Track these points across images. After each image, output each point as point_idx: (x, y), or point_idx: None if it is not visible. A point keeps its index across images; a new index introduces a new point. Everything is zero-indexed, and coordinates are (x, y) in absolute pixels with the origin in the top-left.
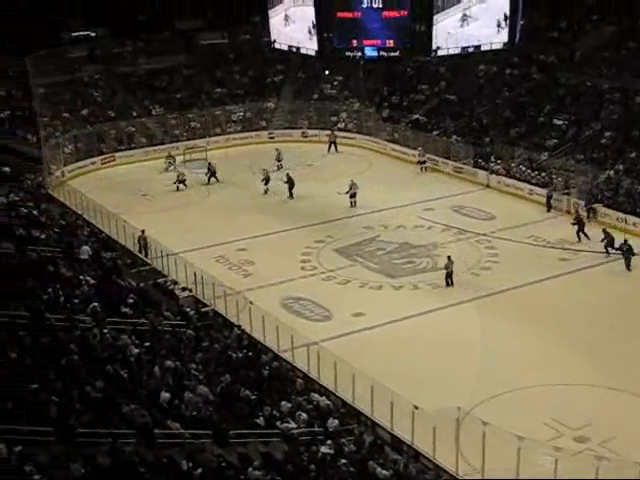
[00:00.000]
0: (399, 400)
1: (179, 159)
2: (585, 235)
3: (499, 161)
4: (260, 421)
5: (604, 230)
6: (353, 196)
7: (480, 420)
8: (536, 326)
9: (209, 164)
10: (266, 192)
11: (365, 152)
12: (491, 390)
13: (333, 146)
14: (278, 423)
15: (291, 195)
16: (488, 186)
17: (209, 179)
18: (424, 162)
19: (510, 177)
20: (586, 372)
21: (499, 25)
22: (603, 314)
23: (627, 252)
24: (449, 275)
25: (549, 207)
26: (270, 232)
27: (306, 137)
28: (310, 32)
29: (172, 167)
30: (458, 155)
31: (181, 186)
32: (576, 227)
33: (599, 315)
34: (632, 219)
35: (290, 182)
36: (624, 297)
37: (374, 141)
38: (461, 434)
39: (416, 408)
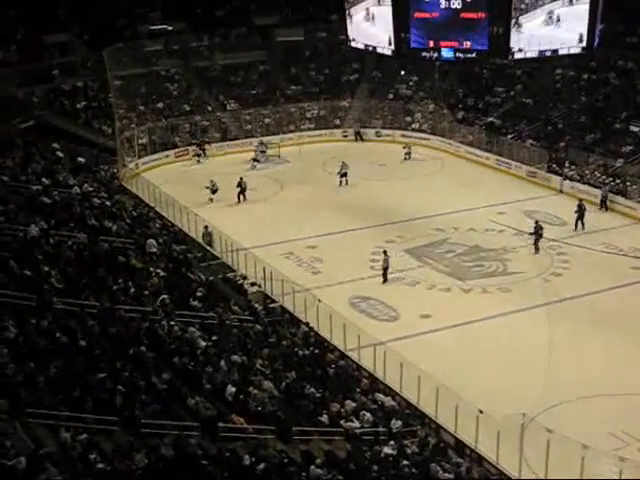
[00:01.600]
0: (464, 404)
1: (249, 155)
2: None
3: (573, 167)
4: (324, 419)
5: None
6: (344, 175)
7: (545, 427)
8: (606, 334)
9: (240, 179)
10: (340, 184)
11: (438, 153)
12: (557, 397)
13: (358, 136)
14: (342, 422)
15: (238, 199)
16: (561, 192)
17: (238, 196)
18: (409, 152)
19: (584, 183)
20: None
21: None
22: None
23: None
24: (384, 270)
25: (605, 207)
26: (341, 230)
27: (380, 137)
28: (389, 32)
29: (259, 160)
30: (532, 159)
31: (214, 196)
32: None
33: None
34: None
35: (241, 186)
36: None
37: (448, 143)
38: (525, 440)
39: (481, 412)
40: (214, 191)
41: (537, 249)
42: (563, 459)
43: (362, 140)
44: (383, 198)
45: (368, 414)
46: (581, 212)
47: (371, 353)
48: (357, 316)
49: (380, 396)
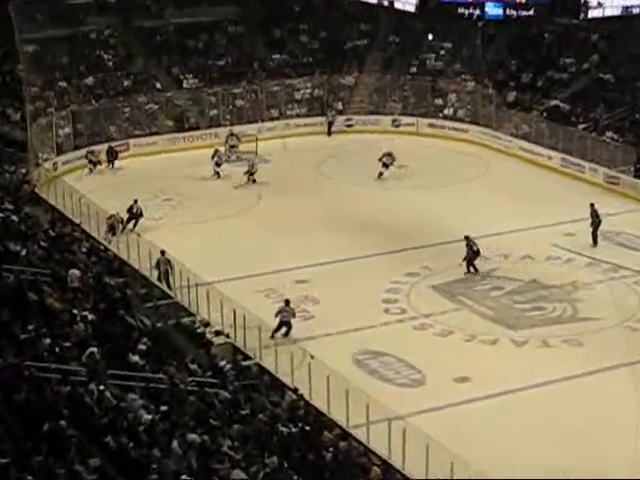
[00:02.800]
0: None
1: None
2: None
3: None
4: None
5: None
6: (252, 174)
7: None
8: None
9: (133, 203)
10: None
11: (481, 150)
12: None
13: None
14: None
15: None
16: None
17: (126, 223)
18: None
19: None
20: None
21: None
22: None
23: None
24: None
25: None
26: (343, 258)
27: (398, 127)
28: None
29: (220, 164)
30: (613, 159)
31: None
32: None
33: None
34: None
35: (132, 211)
36: None
37: (494, 135)
38: None
39: None
40: (130, 219)
41: None
42: None
43: (329, 134)
44: (403, 213)
45: None
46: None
47: (385, 431)
48: (366, 379)
49: None
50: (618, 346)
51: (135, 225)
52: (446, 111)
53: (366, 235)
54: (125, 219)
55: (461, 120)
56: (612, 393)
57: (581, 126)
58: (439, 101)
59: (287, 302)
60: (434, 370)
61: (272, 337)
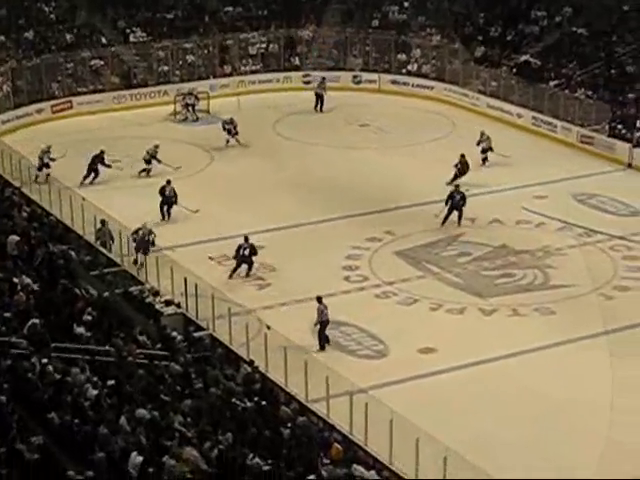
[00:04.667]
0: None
1: (167, 110)
2: None
3: None
4: None
5: None
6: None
7: None
8: None
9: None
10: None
11: (446, 108)
12: (623, 474)
13: (319, 102)
14: None
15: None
16: (630, 165)
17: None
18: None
19: None
20: None
21: None
22: None
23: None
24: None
25: None
26: (301, 223)
27: (359, 83)
28: None
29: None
30: (587, 118)
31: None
32: None
33: None
34: None
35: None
36: None
37: (461, 92)
38: None
39: None
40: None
41: None
42: None
43: (321, 110)
44: (364, 175)
45: None
46: None
47: (346, 405)
48: (326, 350)
49: (359, 469)
50: (592, 314)
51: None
52: (410, 67)
53: (325, 198)
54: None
55: (426, 76)
56: (585, 363)
57: (553, 83)
58: (402, 56)
59: (246, 238)
60: (398, 341)
61: (230, 277)
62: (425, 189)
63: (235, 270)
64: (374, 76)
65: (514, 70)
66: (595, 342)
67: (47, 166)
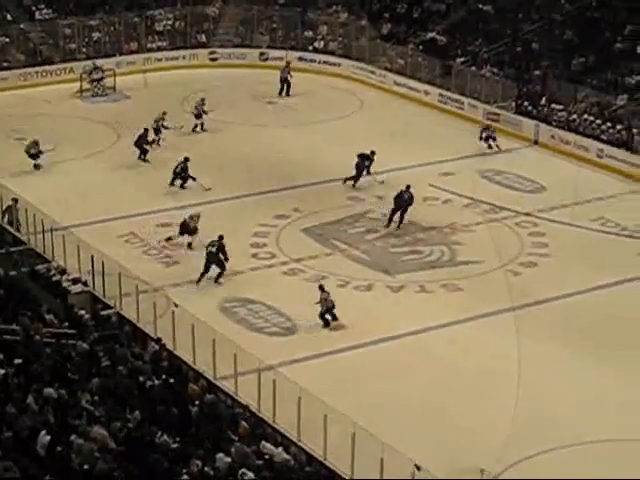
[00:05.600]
0: (393, 455)
1: (73, 87)
2: None
3: (554, 106)
4: None
5: None
6: (199, 117)
7: None
8: (601, 353)
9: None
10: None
11: (354, 86)
12: (531, 444)
13: (285, 86)
14: None
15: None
16: (537, 142)
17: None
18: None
19: (570, 130)
20: None
21: None
22: None
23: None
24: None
25: None
26: (208, 200)
27: (266, 60)
28: None
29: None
30: (493, 95)
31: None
32: None
33: None
34: None
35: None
36: None
37: (368, 70)
38: None
39: (418, 469)
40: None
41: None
42: None
43: (288, 94)
44: (272, 152)
45: (250, 474)
46: None
47: (254, 383)
48: (233, 328)
49: (268, 446)
50: (499, 291)
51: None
52: (317, 44)
53: (232, 175)
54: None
55: (333, 53)
56: (492, 339)
57: (459, 60)
58: (309, 33)
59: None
60: (306, 318)
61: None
62: (333, 166)
63: (203, 275)
64: (281, 53)
65: (421, 47)
66: (502, 318)
67: None
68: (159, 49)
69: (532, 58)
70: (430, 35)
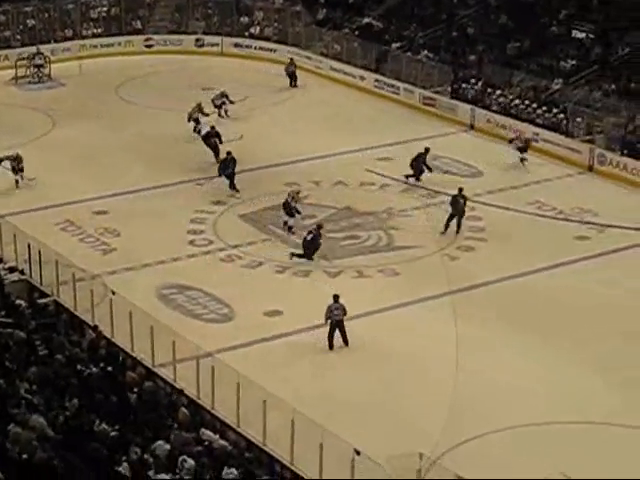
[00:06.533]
0: (333, 441)
1: (8, 74)
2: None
3: (490, 90)
4: (124, 469)
5: None
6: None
7: (454, 473)
8: (537, 336)
9: None
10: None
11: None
12: (468, 430)
13: (293, 79)
14: (150, 473)
15: None
16: (473, 127)
17: None
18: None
19: (506, 114)
20: (611, 405)
21: None
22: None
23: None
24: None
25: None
26: (144, 187)
27: (202, 47)
28: None
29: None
30: (429, 80)
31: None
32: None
33: (633, 322)
34: None
35: None
36: None
37: (304, 55)
38: None
39: (357, 454)
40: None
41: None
42: None
43: (295, 85)
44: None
45: (189, 460)
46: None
47: (193, 370)
48: (171, 315)
49: (207, 433)
50: (436, 275)
51: None
52: (252, 30)
53: (169, 162)
54: None
55: (268, 39)
56: (428, 322)
57: (395, 45)
58: (245, 19)
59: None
60: (244, 304)
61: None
62: (269, 152)
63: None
64: (217, 39)
65: (356, 32)
66: (439, 302)
67: None
68: (94, 36)
69: (468, 43)
70: (366, 20)
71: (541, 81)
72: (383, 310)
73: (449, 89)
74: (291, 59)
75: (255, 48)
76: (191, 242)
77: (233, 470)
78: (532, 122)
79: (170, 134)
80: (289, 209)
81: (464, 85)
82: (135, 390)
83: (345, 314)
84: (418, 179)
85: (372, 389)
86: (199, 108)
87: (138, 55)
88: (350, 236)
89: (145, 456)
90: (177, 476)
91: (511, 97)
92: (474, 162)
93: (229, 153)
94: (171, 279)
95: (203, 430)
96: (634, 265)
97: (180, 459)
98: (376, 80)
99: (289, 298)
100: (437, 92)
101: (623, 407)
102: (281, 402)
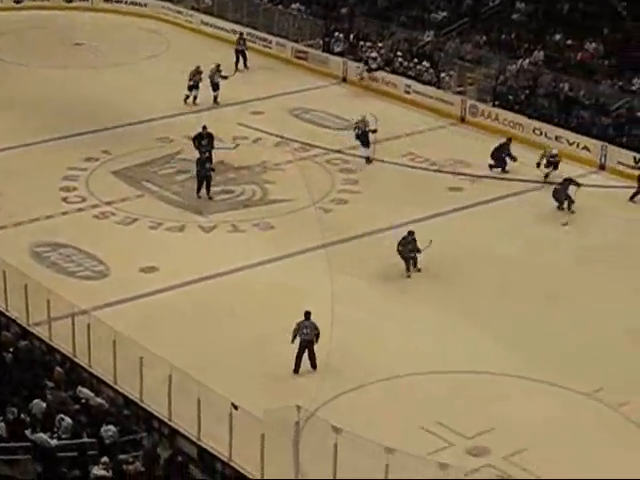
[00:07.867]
0: (210, 396)
1: None
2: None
3: (363, 43)
4: (0, 429)
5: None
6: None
7: (330, 425)
8: (412, 287)
9: None
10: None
11: (161, 26)
12: (346, 381)
13: (242, 58)
14: (28, 432)
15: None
16: (345, 80)
17: None
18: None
19: (378, 68)
20: (488, 356)
21: None
22: (515, 272)
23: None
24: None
25: None
26: (13, 145)
27: (71, 2)
28: None
29: None
30: (301, 33)
31: None
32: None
33: (508, 275)
34: (557, 130)
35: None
36: (541, 247)
37: (175, 10)
38: (303, 445)
39: (235, 408)
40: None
41: None
42: (360, 468)
43: (245, 66)
44: (79, 95)
45: (67, 419)
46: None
47: (68, 328)
48: (44, 272)
49: (84, 391)
50: (311, 228)
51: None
52: None
53: (40, 119)
54: None
55: None
56: (304, 274)
57: None
58: None
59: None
60: (118, 261)
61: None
62: (141, 108)
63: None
64: None
65: None
66: (314, 255)
67: None
68: None
69: None
70: None
71: (412, 33)
72: (259, 264)
73: (321, 42)
74: (241, 34)
75: (126, 3)
76: (64, 199)
77: (111, 427)
78: (404, 74)
79: (40, 91)
80: (213, 84)
81: (335, 36)
82: (10, 349)
83: (318, 334)
84: (504, 170)
85: (250, 344)
86: (217, 69)
87: (7, 11)
88: (224, 190)
89: (22, 416)
90: (55, 435)
91: (383, 49)
92: (347, 115)
93: (204, 128)
94: (44, 237)
95: (80, 388)
96: (505, 215)
97: (57, 417)
98: (248, 34)
99: (164, 254)
100: (309, 45)
101: (497, 356)
102: (158, 358)
